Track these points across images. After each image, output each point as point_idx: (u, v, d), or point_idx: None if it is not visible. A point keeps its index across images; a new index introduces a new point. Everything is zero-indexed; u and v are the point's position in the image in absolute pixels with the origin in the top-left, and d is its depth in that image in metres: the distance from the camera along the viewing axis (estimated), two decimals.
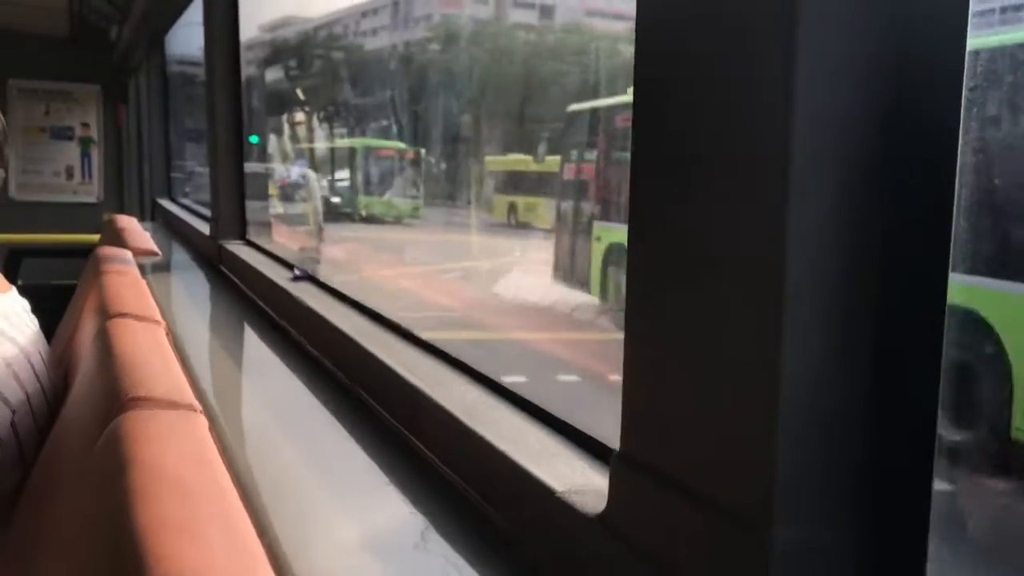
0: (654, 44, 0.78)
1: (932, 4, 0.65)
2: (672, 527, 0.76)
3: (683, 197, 0.75)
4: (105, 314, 1.94)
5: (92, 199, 7.48)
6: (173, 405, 1.33)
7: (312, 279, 2.24)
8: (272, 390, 1.84)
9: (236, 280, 2.78)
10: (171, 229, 4.77)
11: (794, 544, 0.66)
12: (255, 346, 2.24)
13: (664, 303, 0.77)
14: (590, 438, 1.07)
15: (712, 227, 0.71)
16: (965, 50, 0.63)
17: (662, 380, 0.78)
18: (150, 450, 1.18)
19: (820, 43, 0.63)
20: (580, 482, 0.95)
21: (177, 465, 1.14)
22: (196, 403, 1.34)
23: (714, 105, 0.71)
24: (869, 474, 0.68)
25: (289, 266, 2.42)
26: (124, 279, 2.51)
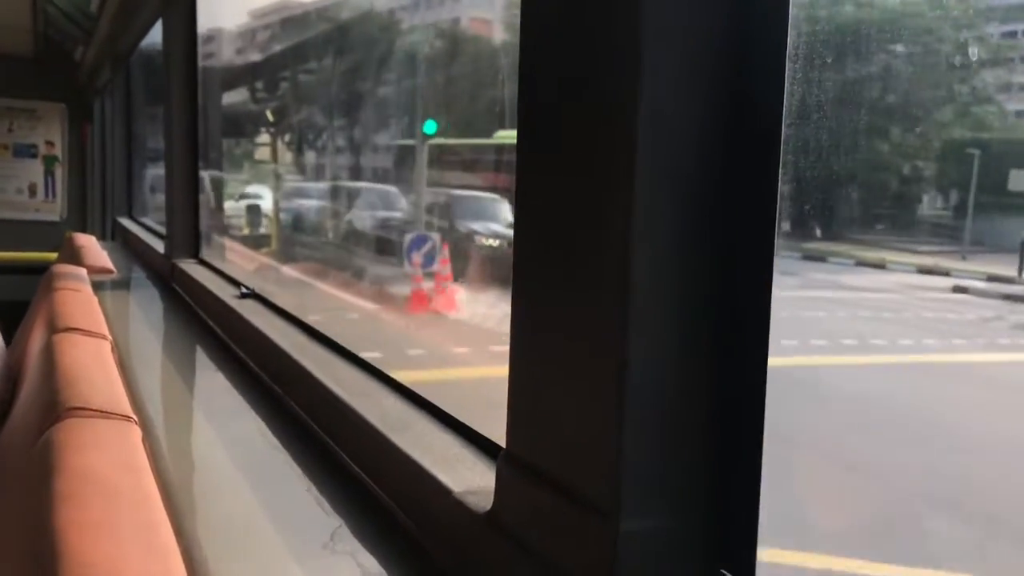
0: (532, 68, 0.87)
1: (759, 21, 0.73)
2: (544, 519, 0.83)
3: (552, 207, 0.83)
4: (53, 328, 1.99)
5: (55, 217, 7.47)
6: (108, 416, 1.39)
7: (258, 296, 2.30)
8: (211, 403, 1.90)
9: (187, 298, 2.83)
10: (131, 248, 4.80)
11: (639, 530, 0.74)
12: (200, 361, 2.30)
13: (538, 315, 0.85)
14: (493, 443, 1.14)
15: (575, 247, 0.79)
16: (784, 68, 0.72)
17: (539, 383, 0.85)
18: (80, 456, 1.23)
19: (661, 54, 0.72)
20: (478, 483, 1.02)
21: (105, 471, 1.20)
22: (132, 414, 1.40)
23: (573, 122, 0.79)
24: (705, 464, 0.75)
25: (237, 284, 2.48)
26: (76, 296, 2.56)
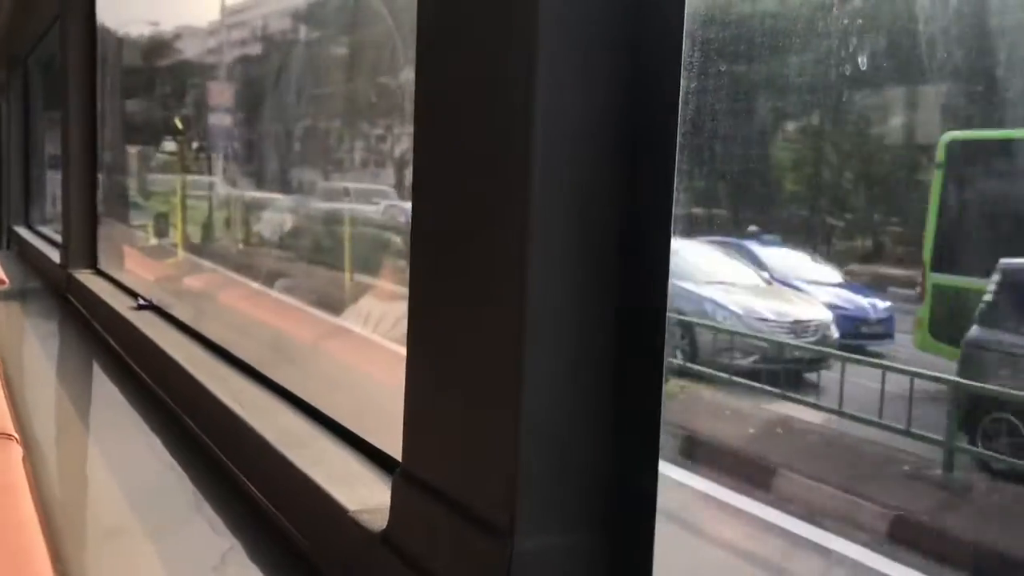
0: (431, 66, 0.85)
1: (655, 27, 0.72)
2: (439, 538, 0.81)
3: (448, 208, 0.81)
4: None
5: None
6: None
7: (155, 308, 2.22)
8: (104, 421, 1.82)
9: (83, 310, 2.72)
10: (26, 258, 4.61)
11: (534, 548, 0.72)
12: (95, 377, 2.20)
13: (435, 332, 0.83)
14: (391, 458, 1.11)
15: (471, 255, 0.77)
16: (681, 57, 0.71)
17: (436, 399, 0.83)
18: None
19: (557, 58, 0.70)
20: (375, 501, 0.99)
21: None
22: (14, 432, 1.33)
23: (470, 123, 0.77)
24: (601, 482, 0.74)
25: (134, 295, 2.38)
26: None
